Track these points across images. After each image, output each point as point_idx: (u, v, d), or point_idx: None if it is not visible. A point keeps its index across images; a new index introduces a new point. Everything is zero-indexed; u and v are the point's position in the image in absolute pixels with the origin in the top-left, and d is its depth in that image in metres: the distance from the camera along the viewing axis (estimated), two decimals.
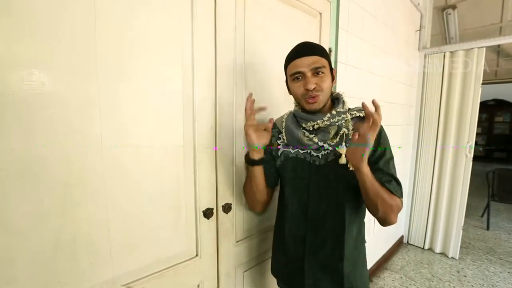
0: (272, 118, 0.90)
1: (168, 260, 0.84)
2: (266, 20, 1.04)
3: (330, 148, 0.79)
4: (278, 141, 0.90)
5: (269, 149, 0.91)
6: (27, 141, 0.56)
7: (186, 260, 0.89)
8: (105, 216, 0.68)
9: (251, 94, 0.80)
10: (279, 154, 0.88)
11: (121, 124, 0.69)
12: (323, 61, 0.76)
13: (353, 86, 1.58)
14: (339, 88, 1.45)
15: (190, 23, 0.81)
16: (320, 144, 0.79)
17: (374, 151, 0.77)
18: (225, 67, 0.91)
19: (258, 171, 0.87)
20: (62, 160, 0.60)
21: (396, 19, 1.99)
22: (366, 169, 0.70)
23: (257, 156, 0.85)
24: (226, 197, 0.97)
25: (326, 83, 0.76)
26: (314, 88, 0.75)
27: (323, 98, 0.77)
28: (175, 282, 0.86)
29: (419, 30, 2.39)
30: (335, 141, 0.79)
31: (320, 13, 1.28)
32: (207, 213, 0.90)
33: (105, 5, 0.64)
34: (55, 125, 0.59)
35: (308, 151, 0.82)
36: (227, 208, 0.96)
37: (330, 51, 1.37)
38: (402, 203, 0.79)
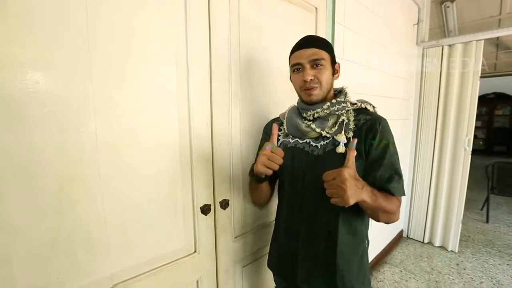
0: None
1: (166, 257, 0.85)
2: (261, 15, 1.03)
3: (329, 137, 0.79)
4: (279, 132, 0.90)
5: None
6: (23, 139, 0.56)
7: (185, 256, 0.89)
8: (102, 213, 0.69)
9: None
10: (279, 144, 0.89)
11: (117, 122, 0.69)
12: (323, 54, 0.77)
13: (350, 81, 1.57)
14: (337, 84, 1.45)
15: (184, 20, 0.81)
16: (318, 130, 0.79)
17: (378, 143, 0.75)
18: (220, 64, 0.91)
19: (264, 184, 0.88)
20: (58, 157, 0.61)
21: (393, 12, 1.98)
22: (362, 197, 0.65)
23: (263, 174, 0.79)
24: (224, 193, 0.98)
25: (324, 76, 0.77)
26: (311, 80, 0.76)
27: (320, 91, 0.78)
28: (174, 278, 0.86)
29: (417, 23, 2.38)
30: (333, 129, 0.79)
31: (316, 8, 1.28)
32: (205, 210, 0.90)
33: (98, 5, 0.64)
34: (50, 123, 0.59)
35: (307, 140, 0.82)
36: (224, 204, 0.96)
37: None
38: (400, 200, 0.79)
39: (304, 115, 0.83)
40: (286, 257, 0.89)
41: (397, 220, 0.78)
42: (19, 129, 0.55)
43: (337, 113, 0.79)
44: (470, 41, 2.13)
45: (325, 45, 0.79)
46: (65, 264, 0.64)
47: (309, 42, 0.79)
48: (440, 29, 2.70)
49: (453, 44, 2.21)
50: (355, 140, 0.70)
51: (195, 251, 0.92)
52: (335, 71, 0.82)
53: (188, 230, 0.90)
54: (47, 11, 0.57)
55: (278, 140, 0.90)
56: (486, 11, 2.63)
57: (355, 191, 0.63)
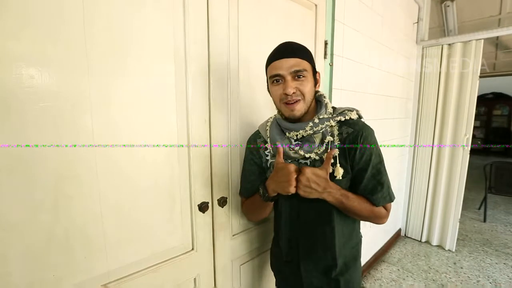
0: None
1: (164, 254, 0.84)
2: (260, 12, 1.02)
3: (318, 157, 0.76)
4: (265, 152, 0.86)
5: (258, 161, 0.89)
6: (18, 134, 0.55)
7: (182, 254, 0.89)
8: (99, 210, 0.68)
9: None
10: (268, 165, 0.86)
11: (113, 118, 0.69)
12: (305, 64, 0.71)
13: (350, 79, 1.57)
14: (336, 82, 1.44)
15: (182, 16, 0.80)
16: (307, 156, 0.76)
17: (360, 156, 0.74)
18: (218, 60, 0.90)
19: (271, 202, 0.85)
20: (54, 153, 0.60)
21: (393, 11, 1.97)
22: (329, 198, 0.72)
23: (275, 193, 0.78)
24: (222, 190, 0.97)
25: (307, 88, 0.72)
26: (293, 93, 0.70)
27: (303, 104, 0.73)
28: (172, 276, 0.86)
29: (417, 22, 2.37)
30: (321, 149, 0.75)
31: (316, 5, 1.27)
32: (203, 207, 0.90)
33: (96, 1, 0.63)
34: (46, 118, 0.58)
35: (296, 158, 0.79)
36: (222, 202, 0.96)
37: (326, 43, 1.36)
38: (387, 208, 0.79)
39: (287, 134, 0.79)
40: (289, 266, 0.90)
41: (382, 223, 0.81)
42: (14, 124, 0.55)
43: (321, 131, 0.76)
44: (470, 41, 2.13)
45: (307, 54, 0.74)
46: (61, 261, 0.64)
47: (290, 51, 0.72)
48: (440, 28, 2.69)
49: (453, 43, 2.21)
50: (333, 151, 0.72)
51: (192, 249, 0.92)
52: (316, 81, 0.77)
53: (185, 228, 0.89)
54: (43, 4, 0.56)
55: (267, 160, 0.86)
56: (486, 11, 2.63)
57: (310, 189, 0.69)
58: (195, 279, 0.94)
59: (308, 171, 0.69)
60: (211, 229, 0.96)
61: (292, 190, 0.71)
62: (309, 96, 0.73)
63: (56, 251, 0.63)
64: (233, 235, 1.04)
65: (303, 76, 0.71)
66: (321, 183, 0.69)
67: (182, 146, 0.85)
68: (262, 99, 1.08)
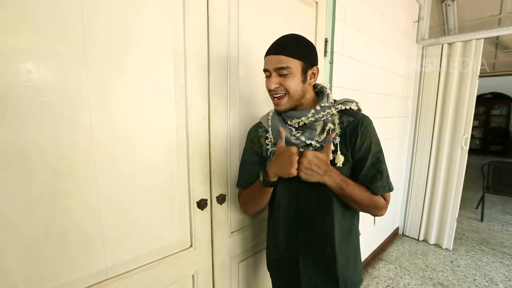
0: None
1: (162, 251, 0.84)
2: (260, 9, 1.02)
3: (318, 145, 0.77)
4: (266, 141, 0.87)
5: (259, 150, 0.89)
6: (15, 130, 0.55)
7: (181, 251, 0.89)
8: (97, 206, 0.68)
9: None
10: (269, 154, 0.86)
11: (112, 115, 0.68)
12: (290, 61, 0.72)
13: (350, 77, 1.56)
14: (336, 80, 1.44)
15: (182, 12, 0.79)
16: (308, 142, 0.77)
17: (361, 144, 0.75)
18: (218, 58, 0.90)
19: (271, 189, 0.84)
20: (51, 149, 0.59)
21: (394, 9, 1.96)
22: (329, 181, 0.72)
23: (276, 177, 0.78)
24: (221, 188, 0.97)
25: (292, 84, 0.73)
26: (276, 88, 0.74)
27: (288, 100, 0.75)
28: (170, 273, 0.86)
29: (418, 21, 2.36)
30: (322, 137, 0.77)
31: (316, 2, 1.26)
32: (201, 204, 0.90)
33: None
34: (43, 114, 0.58)
35: (297, 146, 0.79)
36: (221, 199, 0.95)
37: (326, 41, 1.35)
38: (387, 199, 0.80)
39: (289, 122, 0.81)
40: (287, 260, 0.89)
41: (381, 215, 0.81)
42: (11, 119, 0.54)
43: (322, 119, 0.77)
44: (470, 40, 2.13)
45: (296, 51, 0.73)
46: (59, 257, 0.63)
47: (277, 47, 0.74)
48: (440, 27, 2.69)
49: (453, 43, 2.21)
50: (333, 134, 0.74)
51: (191, 246, 0.91)
52: (308, 77, 0.76)
53: (184, 225, 0.89)
54: (42, 1, 0.55)
55: (267, 149, 0.87)
56: (486, 10, 2.63)
57: (311, 171, 0.70)
58: (193, 276, 0.94)
59: (310, 154, 0.70)
60: (210, 226, 0.96)
61: (294, 171, 0.71)
62: (294, 92, 0.75)
63: (54, 247, 0.62)
64: (231, 233, 1.04)
65: (286, 73, 0.73)
66: (322, 166, 0.70)
67: (181, 143, 0.84)
68: (262, 96, 1.08)
